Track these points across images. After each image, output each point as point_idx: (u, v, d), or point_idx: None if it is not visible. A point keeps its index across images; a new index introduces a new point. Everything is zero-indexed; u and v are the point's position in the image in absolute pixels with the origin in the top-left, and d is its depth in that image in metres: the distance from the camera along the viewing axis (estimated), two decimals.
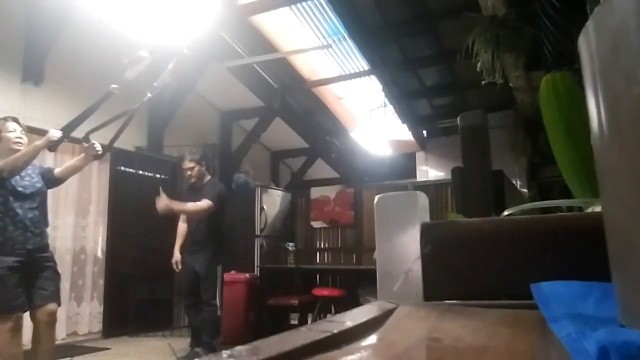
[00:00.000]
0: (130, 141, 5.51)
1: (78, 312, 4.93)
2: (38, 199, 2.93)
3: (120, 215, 5.38)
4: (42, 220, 2.94)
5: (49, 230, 3.04)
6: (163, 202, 3.83)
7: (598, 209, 0.86)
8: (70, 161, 3.14)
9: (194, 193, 4.22)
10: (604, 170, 0.52)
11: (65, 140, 2.90)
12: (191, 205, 4.00)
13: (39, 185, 2.94)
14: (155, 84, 2.76)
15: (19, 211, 2.79)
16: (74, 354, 4.14)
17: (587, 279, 0.66)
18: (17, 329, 2.69)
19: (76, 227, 4.94)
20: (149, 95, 2.80)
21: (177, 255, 4.19)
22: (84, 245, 5.05)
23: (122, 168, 5.51)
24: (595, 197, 0.95)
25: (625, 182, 0.46)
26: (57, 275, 2.96)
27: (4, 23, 4.42)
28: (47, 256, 2.94)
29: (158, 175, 6.07)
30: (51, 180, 3.05)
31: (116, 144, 3.07)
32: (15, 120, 2.96)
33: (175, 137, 5.98)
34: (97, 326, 5.06)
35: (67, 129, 2.86)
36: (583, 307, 0.58)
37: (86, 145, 2.98)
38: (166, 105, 5.80)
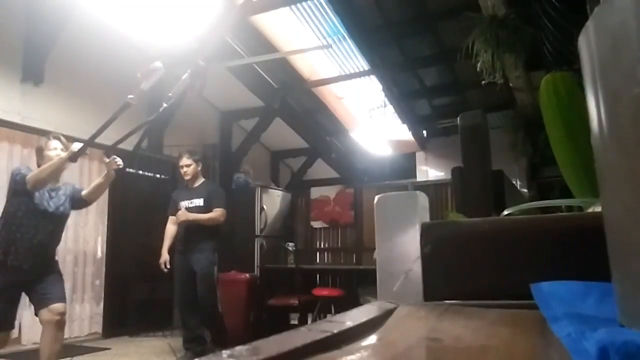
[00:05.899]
0: (130, 141, 5.50)
1: (78, 312, 4.93)
2: (57, 222, 2.93)
3: (120, 215, 5.38)
4: (52, 244, 2.94)
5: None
6: (183, 214, 4.07)
7: (598, 209, 0.86)
8: (95, 181, 3.16)
9: (187, 192, 4.26)
10: (604, 170, 0.52)
11: (87, 153, 2.90)
12: (207, 216, 4.12)
13: (62, 209, 2.94)
14: (170, 94, 2.79)
15: (33, 230, 2.79)
16: (74, 354, 4.14)
17: (587, 279, 0.66)
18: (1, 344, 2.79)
19: (76, 226, 4.94)
20: (164, 105, 2.83)
21: (165, 256, 4.19)
22: (85, 245, 5.05)
23: None
24: (595, 197, 0.95)
25: (625, 182, 0.46)
26: (60, 279, 2.98)
27: (4, 23, 4.42)
28: (50, 265, 2.94)
29: (158, 175, 6.07)
30: (79, 201, 3.07)
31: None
32: (57, 138, 2.98)
33: (175, 137, 5.98)
34: (97, 326, 5.06)
35: (88, 141, 2.86)
36: (583, 307, 0.58)
37: (107, 160, 2.99)
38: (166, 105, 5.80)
